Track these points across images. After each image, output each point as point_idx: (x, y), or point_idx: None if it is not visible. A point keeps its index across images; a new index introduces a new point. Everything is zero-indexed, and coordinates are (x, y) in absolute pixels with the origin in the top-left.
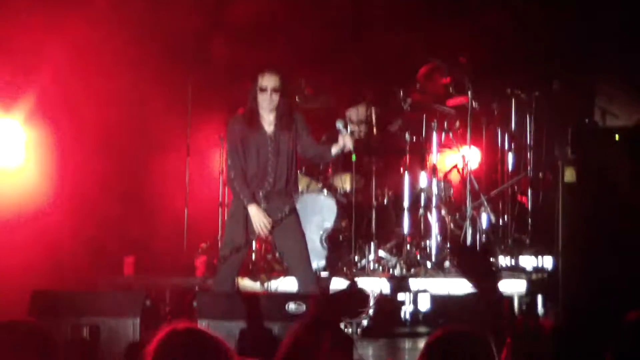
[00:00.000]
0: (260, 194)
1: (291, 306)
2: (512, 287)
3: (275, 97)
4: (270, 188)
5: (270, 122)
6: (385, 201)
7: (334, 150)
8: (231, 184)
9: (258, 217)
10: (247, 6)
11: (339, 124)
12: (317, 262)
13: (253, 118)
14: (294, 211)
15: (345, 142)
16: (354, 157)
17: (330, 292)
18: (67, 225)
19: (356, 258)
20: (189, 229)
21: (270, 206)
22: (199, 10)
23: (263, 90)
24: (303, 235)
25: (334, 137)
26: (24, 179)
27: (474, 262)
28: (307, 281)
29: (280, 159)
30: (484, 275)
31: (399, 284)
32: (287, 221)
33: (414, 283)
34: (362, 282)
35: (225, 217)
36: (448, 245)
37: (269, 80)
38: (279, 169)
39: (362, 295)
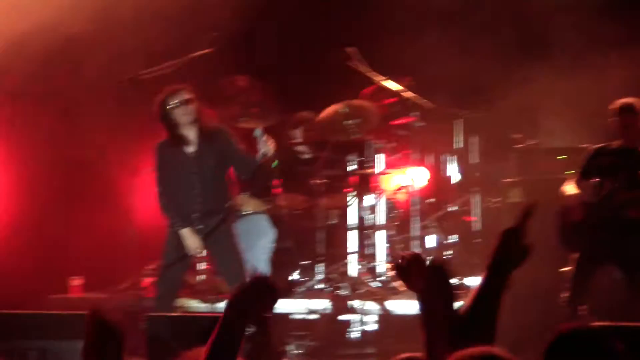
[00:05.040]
0: (193, 215)
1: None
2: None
3: (191, 108)
4: (201, 207)
5: (192, 142)
6: (332, 221)
7: (257, 158)
8: (163, 211)
9: (190, 240)
10: (188, 24)
11: (257, 132)
12: None
13: (175, 140)
14: (227, 223)
15: (263, 148)
16: (275, 163)
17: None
18: (11, 243)
19: (303, 279)
20: (137, 250)
21: (206, 226)
22: (137, 27)
23: (176, 104)
24: (236, 247)
25: (280, 157)
26: None
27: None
28: None
29: (206, 177)
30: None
31: (346, 304)
32: (221, 235)
33: (361, 303)
34: (309, 303)
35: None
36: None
37: (180, 95)
38: (206, 187)
39: (272, 289)
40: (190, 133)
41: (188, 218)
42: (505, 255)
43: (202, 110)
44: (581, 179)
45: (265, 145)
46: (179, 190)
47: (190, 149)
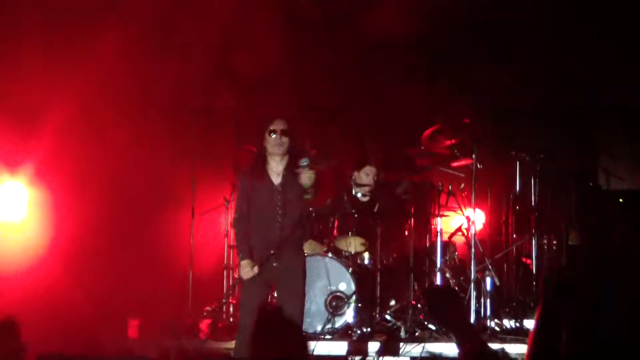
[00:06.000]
0: (272, 253)
1: None
2: (517, 350)
3: (285, 140)
4: (280, 241)
5: (278, 173)
6: (390, 264)
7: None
8: (235, 238)
9: (245, 270)
10: (253, 63)
11: (303, 162)
12: (322, 325)
13: (260, 169)
14: (300, 267)
15: (305, 180)
16: (307, 197)
17: None
18: (70, 283)
19: (360, 321)
20: (193, 291)
21: (280, 264)
22: (203, 64)
23: (272, 132)
24: (300, 295)
25: (339, 202)
26: (26, 234)
27: (443, 306)
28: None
29: (289, 210)
30: (456, 320)
31: (405, 347)
32: (288, 274)
33: (419, 346)
34: (366, 345)
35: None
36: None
37: (278, 124)
38: (287, 220)
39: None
40: (279, 165)
41: (264, 250)
42: (551, 299)
43: (294, 144)
44: None
45: (304, 175)
46: (260, 220)
47: (277, 180)
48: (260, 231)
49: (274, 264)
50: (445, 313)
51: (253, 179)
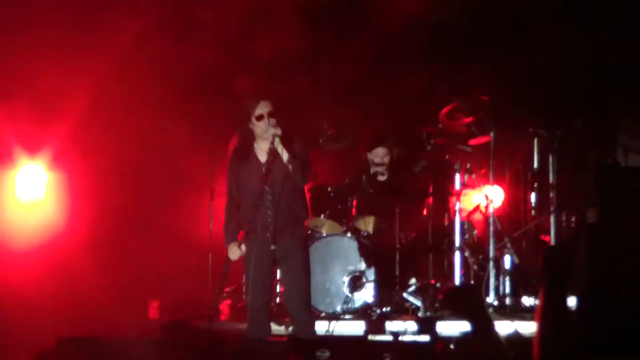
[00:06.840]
0: (268, 235)
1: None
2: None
3: (274, 121)
4: (273, 220)
5: (264, 150)
6: (408, 243)
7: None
8: (225, 218)
9: (234, 254)
10: (270, 45)
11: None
12: (341, 305)
13: (246, 150)
14: (299, 245)
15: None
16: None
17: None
18: (88, 262)
19: (380, 301)
20: (213, 273)
21: (278, 245)
22: (221, 48)
23: (259, 118)
24: (303, 272)
25: (357, 182)
26: (45, 216)
27: (463, 301)
28: (302, 323)
29: (277, 187)
30: (475, 313)
31: (424, 325)
32: (291, 253)
33: (439, 325)
34: (388, 325)
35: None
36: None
37: (263, 108)
38: (277, 197)
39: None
40: (266, 144)
41: (257, 232)
42: (552, 272)
43: (281, 120)
44: None
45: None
46: (250, 201)
47: (263, 158)
48: (252, 212)
49: (272, 247)
50: (465, 310)
51: (240, 160)
